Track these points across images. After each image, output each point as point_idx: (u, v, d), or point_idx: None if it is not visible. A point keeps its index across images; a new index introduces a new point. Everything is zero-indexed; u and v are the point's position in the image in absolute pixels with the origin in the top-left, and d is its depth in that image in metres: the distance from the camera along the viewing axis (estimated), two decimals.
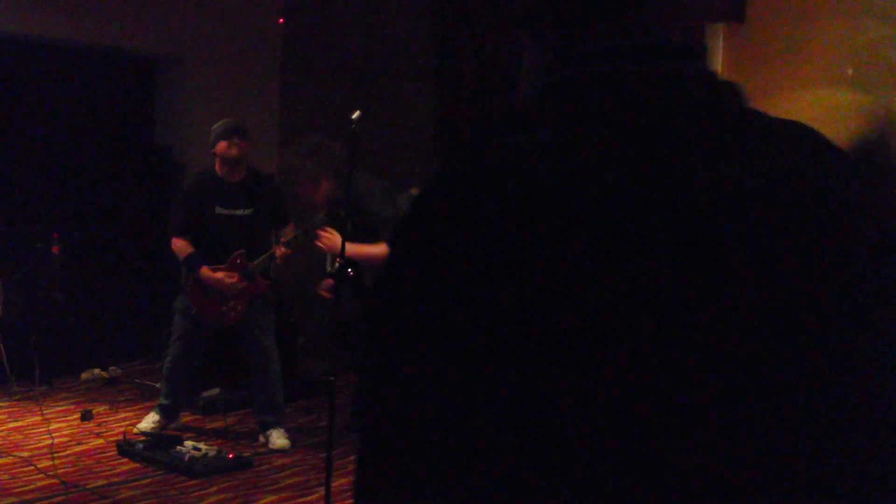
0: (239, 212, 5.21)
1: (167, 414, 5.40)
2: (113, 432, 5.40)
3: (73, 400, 6.11)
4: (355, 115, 3.93)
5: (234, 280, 5.17)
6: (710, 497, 0.76)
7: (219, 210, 5.19)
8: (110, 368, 6.71)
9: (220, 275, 5.16)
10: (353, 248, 4.42)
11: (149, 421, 5.39)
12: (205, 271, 5.16)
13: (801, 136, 0.91)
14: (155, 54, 7.50)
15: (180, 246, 5.22)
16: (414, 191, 4.88)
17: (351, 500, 0.84)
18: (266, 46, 7.75)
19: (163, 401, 5.41)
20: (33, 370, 6.18)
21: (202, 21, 7.35)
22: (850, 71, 5.04)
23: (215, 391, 6.07)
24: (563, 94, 0.85)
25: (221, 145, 5.13)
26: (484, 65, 6.24)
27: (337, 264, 4.05)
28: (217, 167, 5.21)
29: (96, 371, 6.65)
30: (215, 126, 5.22)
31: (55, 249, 6.62)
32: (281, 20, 7.74)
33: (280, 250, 5.15)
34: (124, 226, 7.32)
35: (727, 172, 0.79)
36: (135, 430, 5.29)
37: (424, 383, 0.77)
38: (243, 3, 7.55)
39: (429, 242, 0.78)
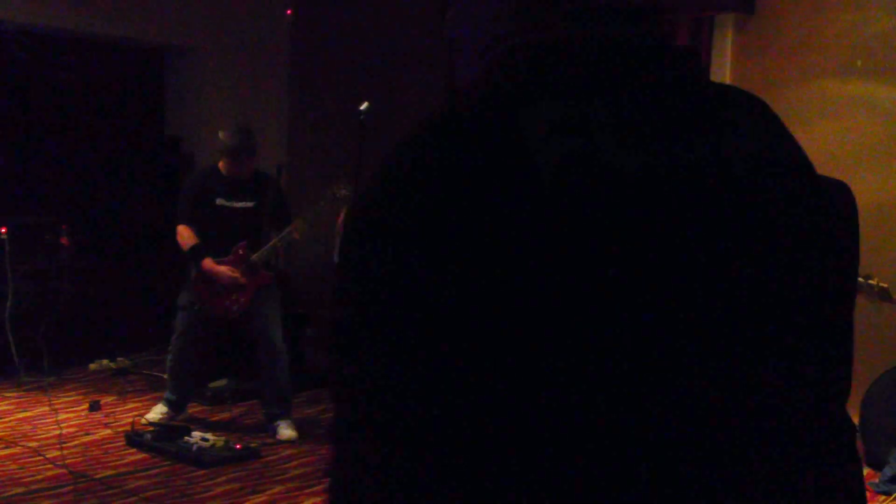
0: (240, 204, 5.24)
1: (174, 408, 5.43)
2: (121, 423, 5.42)
3: (81, 390, 6.13)
4: (363, 105, 3.94)
5: (237, 272, 5.19)
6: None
7: (220, 202, 5.23)
8: (118, 359, 6.73)
9: (223, 267, 5.18)
10: None
11: (156, 412, 5.41)
12: (208, 263, 5.18)
13: (754, 108, 0.90)
14: (164, 45, 7.51)
15: (185, 235, 5.25)
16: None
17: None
18: (275, 37, 7.74)
19: (169, 395, 5.43)
20: (42, 361, 6.22)
21: (211, 11, 7.35)
22: (858, 62, 5.02)
23: (223, 382, 6.08)
24: (527, 60, 0.84)
25: (229, 162, 5.19)
26: None
27: None
28: (221, 166, 5.25)
29: (104, 362, 6.67)
30: (224, 134, 5.21)
31: (64, 241, 6.65)
32: (289, 11, 7.73)
33: (295, 235, 5.18)
34: (133, 216, 7.34)
35: (705, 150, 0.80)
36: (143, 421, 5.30)
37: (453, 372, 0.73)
38: None
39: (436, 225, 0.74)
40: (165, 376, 5.67)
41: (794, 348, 0.82)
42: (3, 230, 6.20)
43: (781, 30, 5.24)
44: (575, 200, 0.73)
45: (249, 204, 5.25)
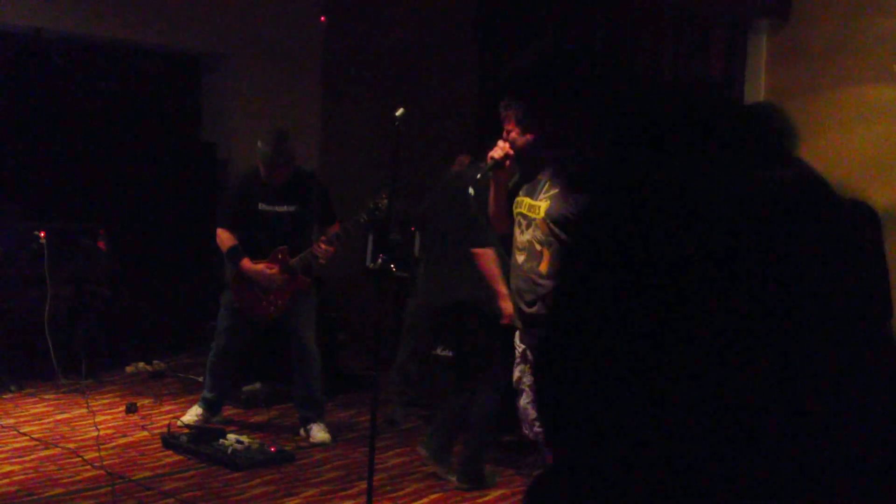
0: (282, 208, 5.27)
1: (210, 407, 5.48)
2: (157, 425, 5.49)
3: (118, 393, 6.21)
4: (399, 112, 3.97)
5: (274, 272, 5.23)
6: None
7: (262, 206, 5.26)
8: (154, 362, 6.81)
9: (260, 267, 5.23)
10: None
11: (192, 414, 5.46)
12: (246, 263, 5.23)
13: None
14: (200, 52, 7.60)
15: (224, 238, 5.31)
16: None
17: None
18: (308, 44, 7.82)
19: (206, 394, 5.48)
20: (80, 364, 6.31)
21: (246, 19, 7.43)
22: (895, 68, 4.99)
23: (256, 385, 6.13)
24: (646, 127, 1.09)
25: (265, 169, 5.19)
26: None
27: (380, 260, 4.08)
28: (261, 170, 5.27)
29: (141, 364, 6.75)
30: (261, 142, 5.20)
31: (101, 245, 6.74)
32: (323, 18, 7.80)
33: (321, 248, 5.19)
34: (170, 221, 7.42)
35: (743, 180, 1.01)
36: (178, 423, 5.36)
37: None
38: (286, 1, 7.62)
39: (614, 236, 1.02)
40: (201, 378, 5.73)
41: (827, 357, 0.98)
42: (42, 234, 6.30)
43: (816, 35, 5.21)
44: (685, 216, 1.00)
45: (291, 208, 5.28)
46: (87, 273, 6.66)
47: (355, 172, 7.60)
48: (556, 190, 3.55)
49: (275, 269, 5.24)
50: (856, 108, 4.97)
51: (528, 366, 3.79)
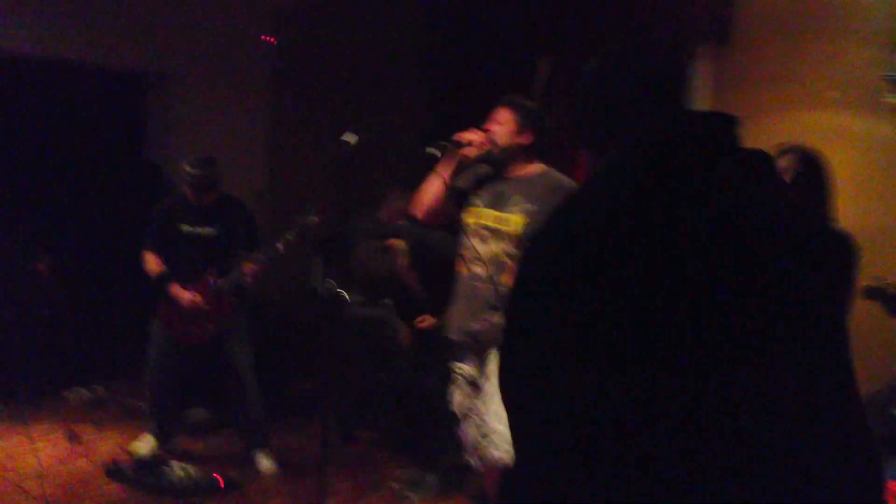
0: (205, 230, 5.25)
1: (158, 437, 5.39)
2: (99, 452, 5.38)
3: (58, 420, 6.08)
4: (349, 136, 3.95)
5: (199, 297, 5.18)
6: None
7: (185, 228, 5.26)
8: (94, 387, 6.69)
9: (186, 293, 5.18)
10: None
11: (145, 442, 5.36)
12: (174, 288, 5.19)
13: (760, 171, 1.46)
14: (145, 71, 7.50)
15: (150, 261, 5.31)
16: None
17: None
18: (256, 63, 7.76)
19: (151, 424, 5.40)
20: (17, 390, 6.16)
21: (193, 37, 7.36)
22: (834, 93, 5.09)
23: (201, 411, 6.05)
24: (646, 153, 1.40)
25: (190, 192, 5.23)
26: (475, 79, 6.27)
27: (328, 284, 4.04)
28: (187, 191, 5.27)
29: (80, 390, 6.62)
30: (186, 165, 5.23)
31: (41, 267, 6.60)
32: (270, 38, 7.75)
33: (247, 267, 5.13)
34: (112, 243, 7.29)
35: (733, 205, 1.32)
36: (128, 453, 5.26)
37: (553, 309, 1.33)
38: (233, 19, 7.56)
39: (566, 238, 1.36)
40: (142, 404, 5.63)
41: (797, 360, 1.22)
42: None
43: (757, 61, 5.31)
44: (654, 229, 1.29)
45: (214, 230, 5.26)
46: (26, 296, 6.52)
47: (303, 193, 7.56)
48: (531, 206, 3.53)
49: (202, 294, 5.19)
50: (797, 134, 5.05)
51: (470, 389, 3.75)
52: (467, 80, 6.31)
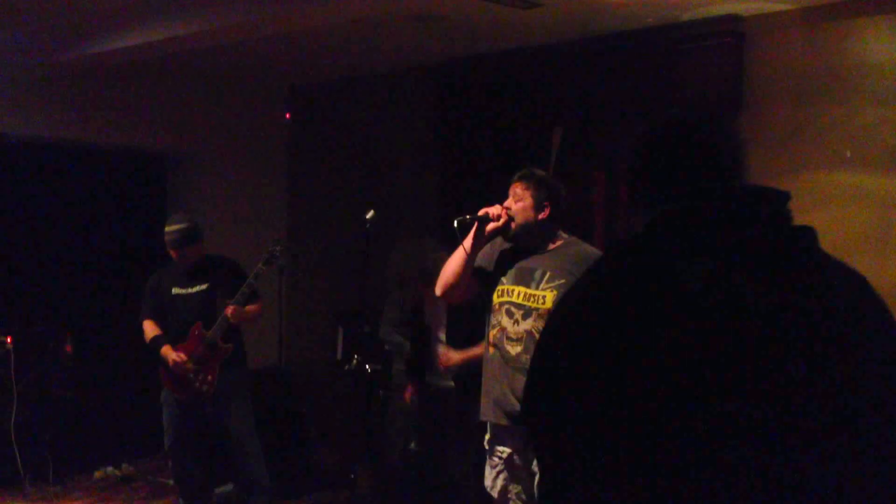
0: (195, 289, 5.34)
1: None
2: None
3: (87, 500, 6.08)
4: (369, 214, 4.02)
5: (182, 356, 5.23)
6: None
7: (176, 290, 5.37)
8: (123, 466, 6.70)
9: (172, 353, 5.26)
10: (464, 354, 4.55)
11: None
12: (165, 349, 5.26)
13: (838, 273, 1.51)
14: (164, 151, 7.64)
15: (147, 328, 5.41)
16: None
17: None
18: (273, 141, 7.90)
19: (180, 500, 5.40)
20: (47, 470, 6.18)
21: (211, 117, 7.51)
22: (847, 153, 5.14)
23: (229, 486, 6.04)
24: (684, 225, 1.40)
25: (174, 253, 5.35)
26: (488, 155, 6.35)
27: (355, 361, 4.07)
28: (172, 254, 5.37)
29: (109, 469, 6.64)
30: (166, 227, 5.35)
31: (68, 348, 6.66)
32: (287, 115, 7.90)
33: (229, 309, 5.19)
34: (135, 323, 7.34)
35: (791, 295, 1.34)
36: None
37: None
38: (250, 98, 7.71)
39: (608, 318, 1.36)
40: (171, 482, 5.62)
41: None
42: (9, 340, 6.23)
43: (768, 123, 5.36)
44: (717, 327, 1.29)
45: (202, 287, 5.34)
46: (53, 377, 6.57)
47: (322, 269, 7.63)
48: (563, 280, 3.52)
49: (192, 349, 5.24)
50: (811, 194, 5.09)
51: (510, 471, 3.67)
52: (481, 152, 6.39)
